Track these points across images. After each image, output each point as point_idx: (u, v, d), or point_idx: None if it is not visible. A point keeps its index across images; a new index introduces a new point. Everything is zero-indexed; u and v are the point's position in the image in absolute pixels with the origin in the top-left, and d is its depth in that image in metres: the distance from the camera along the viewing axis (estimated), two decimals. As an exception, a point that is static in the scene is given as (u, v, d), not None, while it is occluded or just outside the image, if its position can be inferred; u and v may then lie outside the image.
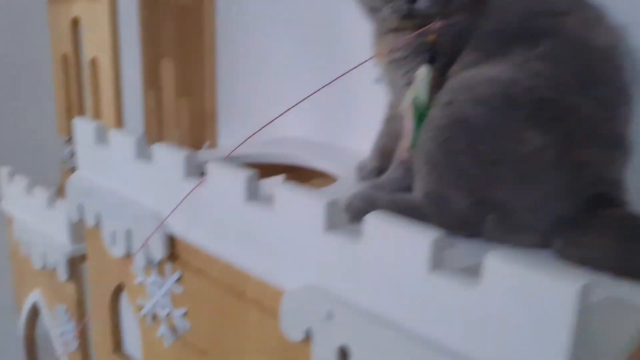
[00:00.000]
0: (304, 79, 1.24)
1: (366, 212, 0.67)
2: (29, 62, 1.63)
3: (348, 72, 0.73)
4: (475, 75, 0.70)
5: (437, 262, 0.49)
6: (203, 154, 1.14)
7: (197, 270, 0.74)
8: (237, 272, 0.68)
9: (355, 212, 0.71)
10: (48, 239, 1.24)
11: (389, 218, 0.51)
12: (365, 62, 0.79)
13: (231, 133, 1.46)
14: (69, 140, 1.47)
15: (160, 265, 0.80)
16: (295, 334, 0.59)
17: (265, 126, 0.74)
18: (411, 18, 0.75)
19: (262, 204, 0.63)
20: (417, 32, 0.73)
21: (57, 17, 1.36)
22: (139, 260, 0.81)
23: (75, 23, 1.35)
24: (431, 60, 0.73)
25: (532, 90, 0.66)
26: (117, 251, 0.85)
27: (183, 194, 0.72)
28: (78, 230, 1.20)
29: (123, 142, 0.81)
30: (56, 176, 1.54)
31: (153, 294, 0.82)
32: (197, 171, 0.72)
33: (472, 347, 0.46)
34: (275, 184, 0.62)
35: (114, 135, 0.83)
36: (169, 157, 0.74)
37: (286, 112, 0.74)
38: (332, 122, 1.20)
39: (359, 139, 1.14)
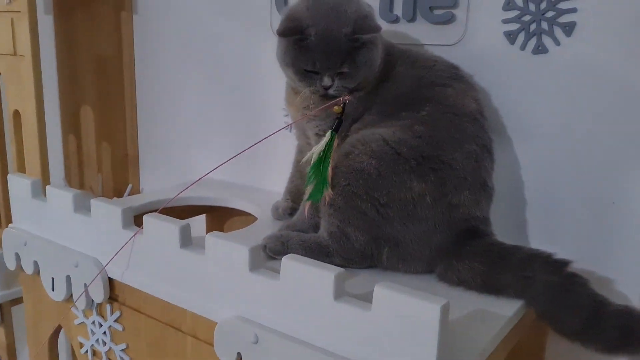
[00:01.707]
0: (220, 124, 1.35)
1: (281, 252, 0.80)
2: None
3: (271, 135, 0.86)
4: (372, 133, 0.85)
5: (340, 293, 0.62)
6: (130, 199, 1.22)
7: (136, 309, 0.84)
8: (173, 309, 0.78)
9: (272, 252, 0.84)
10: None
11: (300, 259, 0.65)
12: (285, 127, 0.93)
13: (153, 176, 1.54)
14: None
15: (100, 306, 0.89)
16: (228, 358, 0.70)
17: (231, 159, 0.84)
18: (326, 96, 0.89)
19: (195, 250, 0.74)
20: (327, 105, 0.87)
21: (-23, 70, 1.41)
22: (79, 303, 0.90)
23: (-5, 77, 1.40)
24: (336, 129, 0.86)
25: (415, 149, 0.81)
26: (57, 296, 0.93)
27: (120, 243, 0.82)
28: (6, 276, 1.24)
29: (61, 197, 0.90)
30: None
31: (93, 333, 0.91)
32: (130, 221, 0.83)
33: (371, 355, 0.60)
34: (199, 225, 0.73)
35: (52, 190, 0.91)
36: (106, 211, 0.84)
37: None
38: (249, 165, 1.32)
39: (275, 181, 1.27)
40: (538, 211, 0.96)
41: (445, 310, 0.56)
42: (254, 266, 0.69)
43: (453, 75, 0.90)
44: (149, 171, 1.56)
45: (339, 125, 0.86)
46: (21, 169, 1.41)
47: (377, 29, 0.85)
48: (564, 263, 0.77)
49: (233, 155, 0.87)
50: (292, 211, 1.05)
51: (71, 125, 1.62)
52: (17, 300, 1.29)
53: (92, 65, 1.55)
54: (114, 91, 1.54)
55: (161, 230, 0.77)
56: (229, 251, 0.70)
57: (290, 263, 0.65)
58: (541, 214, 0.95)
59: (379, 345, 0.59)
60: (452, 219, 0.82)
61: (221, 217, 1.31)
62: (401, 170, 0.81)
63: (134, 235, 0.80)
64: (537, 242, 0.96)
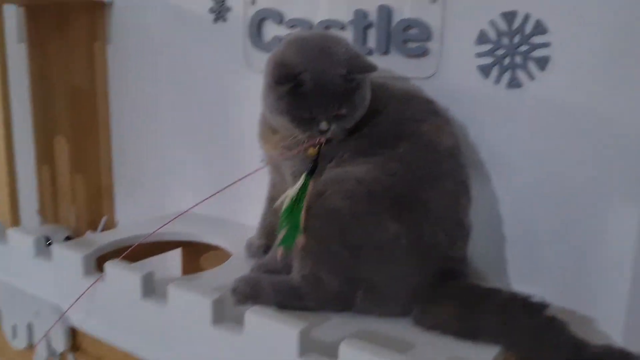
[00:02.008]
0: (195, 155, 1.33)
1: (250, 296, 0.77)
2: None
3: (253, 173, 0.88)
4: (345, 172, 0.82)
5: (305, 349, 0.59)
6: (103, 235, 1.18)
7: (98, 359, 0.81)
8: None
9: (241, 296, 0.80)
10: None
11: (265, 313, 0.62)
12: (257, 170, 0.91)
13: (128, 207, 1.51)
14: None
15: (62, 355, 0.85)
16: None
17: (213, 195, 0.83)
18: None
19: (156, 300, 0.71)
20: (303, 147, 0.84)
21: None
22: (41, 352, 0.86)
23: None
24: (311, 172, 0.83)
25: (389, 188, 0.79)
26: (19, 344, 0.89)
27: (82, 290, 0.78)
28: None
29: (22, 241, 0.86)
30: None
31: (56, 383, 0.87)
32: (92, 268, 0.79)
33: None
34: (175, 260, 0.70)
35: (13, 234, 0.88)
36: (67, 257, 0.80)
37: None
38: (224, 199, 1.29)
39: (249, 214, 1.24)
40: (517, 248, 0.93)
41: (411, 371, 0.53)
42: (217, 319, 0.66)
43: (429, 110, 0.88)
44: (124, 202, 1.52)
45: (314, 169, 0.83)
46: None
47: (372, 68, 0.83)
48: (543, 306, 0.75)
49: (215, 192, 0.87)
50: (266, 249, 1.02)
51: (45, 156, 1.59)
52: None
53: (66, 95, 1.52)
54: (88, 121, 1.51)
55: (123, 279, 0.74)
56: (191, 303, 0.67)
57: (254, 317, 0.62)
58: (521, 251, 0.93)
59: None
60: (427, 261, 0.79)
61: (197, 252, 1.28)
62: (375, 211, 0.78)
63: (93, 283, 0.76)
64: (518, 279, 0.93)
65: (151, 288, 0.73)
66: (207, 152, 1.31)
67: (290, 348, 0.59)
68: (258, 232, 1.05)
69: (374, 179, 0.80)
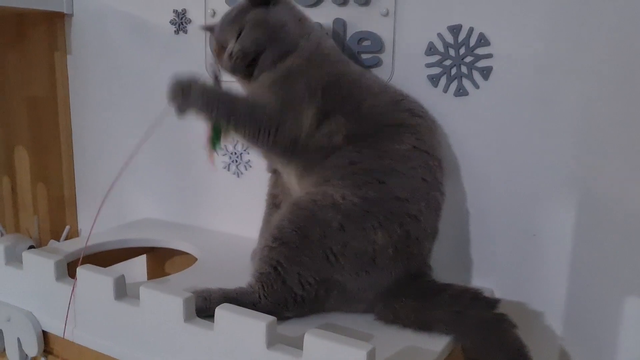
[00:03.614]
0: (155, 163, 1.35)
1: (203, 309, 0.75)
2: None
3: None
4: (342, 187, 0.83)
5: (272, 341, 0.64)
6: (67, 243, 1.20)
7: (72, 362, 0.83)
8: (110, 361, 0.78)
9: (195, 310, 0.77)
10: None
11: (235, 309, 0.66)
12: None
13: (91, 217, 1.52)
14: None
15: (34, 360, 0.87)
16: (164, 410, 0.71)
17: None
18: None
19: (129, 301, 0.75)
20: None
21: None
22: (12, 358, 0.88)
23: None
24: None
25: (384, 204, 0.82)
26: (-11, 351, 0.91)
27: (54, 295, 0.81)
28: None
29: (-9, 250, 0.88)
30: None
31: (28, 388, 0.89)
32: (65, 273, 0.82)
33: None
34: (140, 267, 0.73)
35: (-19, 243, 0.90)
36: (38, 263, 0.83)
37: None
38: (188, 204, 1.33)
39: (213, 219, 1.28)
40: (470, 245, 1.00)
41: (371, 355, 0.58)
42: (188, 317, 0.70)
43: (426, 111, 0.93)
44: (86, 212, 1.54)
45: None
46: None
47: None
48: (494, 301, 0.81)
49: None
50: None
51: (5, 166, 1.59)
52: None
53: (26, 105, 1.53)
54: (48, 131, 1.52)
55: (95, 281, 0.77)
56: (163, 302, 0.71)
57: (224, 313, 0.66)
58: (474, 250, 1.00)
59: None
60: (408, 268, 0.84)
61: (162, 258, 1.31)
62: (368, 227, 0.81)
63: (72, 290, 0.79)
64: (474, 276, 1.00)
65: (123, 290, 0.76)
66: (167, 161, 1.34)
67: (258, 340, 0.64)
68: (260, 237, 1.05)
69: (369, 199, 0.82)
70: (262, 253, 0.84)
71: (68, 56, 1.46)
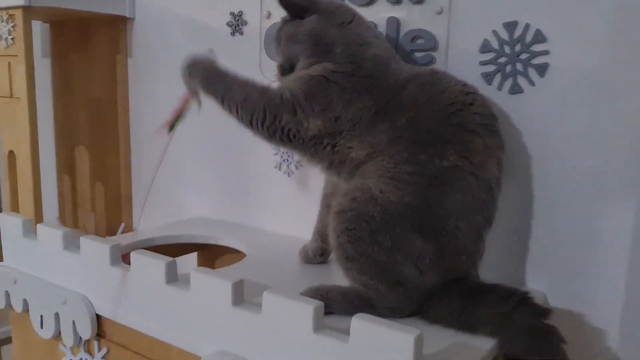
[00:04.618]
0: (209, 163, 1.38)
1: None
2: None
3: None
4: (377, 183, 0.82)
5: (319, 325, 0.64)
6: (122, 237, 1.24)
7: (123, 345, 0.85)
8: (160, 345, 0.80)
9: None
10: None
11: (281, 292, 0.66)
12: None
13: (146, 215, 1.56)
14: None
15: (87, 343, 0.90)
16: (212, 391, 0.71)
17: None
18: None
19: (180, 285, 0.76)
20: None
21: (-26, 112, 1.45)
22: (67, 341, 0.91)
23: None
24: None
25: (420, 213, 0.80)
26: (46, 333, 0.94)
27: (109, 279, 0.83)
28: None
29: (51, 236, 0.92)
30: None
31: (80, 371, 0.92)
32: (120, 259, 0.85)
33: (347, 389, 0.61)
34: (189, 263, 0.75)
35: (42, 229, 0.93)
36: (95, 248, 0.86)
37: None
38: (239, 203, 1.35)
39: (264, 218, 1.30)
40: (526, 247, 0.97)
41: (419, 341, 0.58)
42: (237, 301, 0.70)
43: (488, 126, 0.85)
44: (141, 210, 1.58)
45: None
46: (14, 208, 1.43)
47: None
48: (545, 310, 0.78)
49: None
50: (322, 252, 1.04)
51: (66, 165, 1.66)
52: (7, 340, 1.29)
53: (88, 106, 1.59)
54: (108, 132, 1.57)
55: (148, 266, 0.79)
56: (212, 286, 0.72)
57: (271, 297, 0.67)
58: (529, 250, 0.97)
59: (357, 376, 0.61)
60: (446, 276, 0.82)
61: (212, 255, 1.33)
62: (406, 227, 0.80)
63: (125, 275, 0.81)
64: (526, 278, 0.97)
65: (174, 275, 0.78)
66: (221, 161, 1.37)
67: (305, 324, 0.64)
68: (314, 235, 1.07)
69: (407, 204, 0.80)
70: (345, 267, 0.83)
71: (129, 59, 1.51)
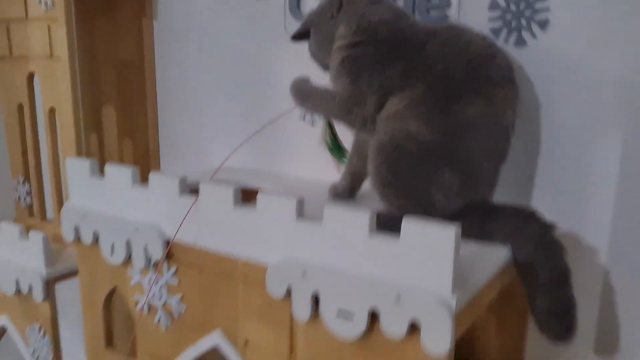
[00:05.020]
0: (237, 119, 1.52)
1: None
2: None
3: (276, 119, 1.13)
4: (414, 120, 0.94)
5: (373, 230, 0.79)
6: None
7: (191, 263, 1.00)
8: (226, 260, 0.94)
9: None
10: (21, 267, 1.41)
11: (339, 205, 0.81)
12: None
13: (174, 171, 1.70)
14: (25, 180, 1.64)
15: (156, 265, 1.04)
16: (279, 292, 0.87)
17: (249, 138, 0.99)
18: None
19: (247, 208, 0.90)
20: None
21: (12, 72, 1.55)
22: (137, 264, 1.05)
23: (30, 77, 1.55)
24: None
25: (450, 147, 0.93)
26: (116, 259, 1.08)
27: (178, 208, 0.97)
28: (51, 255, 1.38)
29: (120, 174, 1.05)
30: (12, 215, 1.69)
31: (150, 290, 1.06)
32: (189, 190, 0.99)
33: (401, 278, 0.77)
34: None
35: (110, 168, 1.07)
36: (164, 181, 0.99)
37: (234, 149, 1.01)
38: (264, 152, 1.48)
39: (289, 165, 1.44)
40: (533, 177, 1.14)
41: (457, 235, 0.73)
42: (300, 215, 0.85)
43: (508, 77, 0.97)
44: (169, 164, 1.71)
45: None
46: (55, 163, 1.56)
47: None
48: (551, 224, 0.94)
49: (245, 139, 1.09)
50: (350, 191, 1.18)
51: (93, 124, 1.77)
52: (60, 278, 1.43)
53: (114, 68, 1.70)
54: (135, 92, 1.69)
55: (216, 193, 0.93)
56: (278, 204, 0.86)
57: (332, 210, 0.81)
58: (535, 180, 1.13)
59: (407, 269, 0.76)
60: (468, 201, 0.97)
61: (248, 198, 1.46)
62: (438, 162, 0.94)
63: (194, 202, 0.95)
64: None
65: (239, 199, 0.92)
66: (248, 115, 1.50)
67: (362, 230, 0.79)
68: (344, 175, 1.20)
69: (436, 141, 0.93)
70: (382, 192, 0.99)
71: (154, 22, 1.63)
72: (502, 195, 1.04)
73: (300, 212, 0.85)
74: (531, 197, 1.13)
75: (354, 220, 0.79)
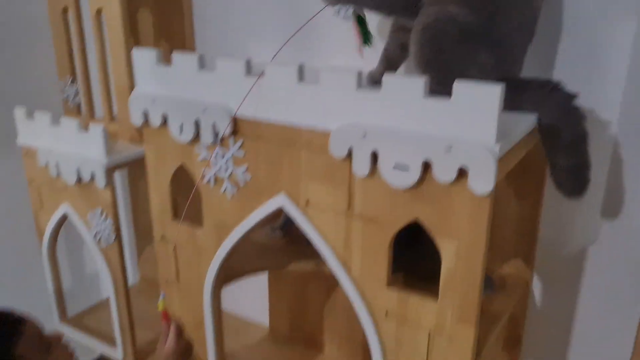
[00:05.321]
0: (273, 19, 1.61)
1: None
2: (28, 16, 1.88)
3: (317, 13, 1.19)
4: (455, 6, 1.06)
5: (427, 91, 0.92)
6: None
7: (257, 136, 1.13)
8: (290, 130, 1.08)
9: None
10: (81, 157, 1.55)
11: (395, 76, 0.94)
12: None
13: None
14: (73, 81, 1.75)
15: (223, 140, 1.18)
16: (341, 153, 1.01)
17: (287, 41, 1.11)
18: None
19: (308, 83, 1.03)
20: None
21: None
22: (205, 140, 1.19)
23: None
24: None
25: (486, 29, 1.06)
26: (185, 138, 1.21)
27: (244, 87, 1.10)
28: (110, 145, 1.52)
29: (186, 60, 1.17)
30: (60, 114, 1.82)
31: (216, 163, 1.20)
32: (254, 71, 1.11)
33: (451, 133, 0.91)
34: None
35: (177, 56, 1.18)
36: (229, 65, 1.12)
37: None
38: (300, 47, 1.59)
39: (324, 58, 1.55)
40: (555, 59, 1.27)
41: (502, 93, 0.87)
42: (360, 85, 0.98)
43: None
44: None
45: None
46: (102, 61, 1.66)
47: None
48: (573, 94, 1.08)
49: (289, 38, 1.13)
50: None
51: (131, 27, 1.86)
52: (117, 167, 1.57)
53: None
54: None
55: (279, 71, 1.05)
56: (338, 76, 0.99)
57: (389, 79, 0.94)
58: (556, 61, 1.27)
59: (457, 124, 0.90)
60: (501, 78, 1.09)
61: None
62: (476, 42, 1.06)
63: (258, 78, 1.08)
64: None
65: (302, 75, 1.05)
66: (285, 16, 1.60)
67: (418, 93, 0.92)
68: (380, 61, 1.32)
69: (473, 23, 1.05)
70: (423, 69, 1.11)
71: None
72: (528, 73, 1.17)
73: (360, 82, 0.99)
74: (552, 75, 1.27)
75: (410, 85, 0.93)
